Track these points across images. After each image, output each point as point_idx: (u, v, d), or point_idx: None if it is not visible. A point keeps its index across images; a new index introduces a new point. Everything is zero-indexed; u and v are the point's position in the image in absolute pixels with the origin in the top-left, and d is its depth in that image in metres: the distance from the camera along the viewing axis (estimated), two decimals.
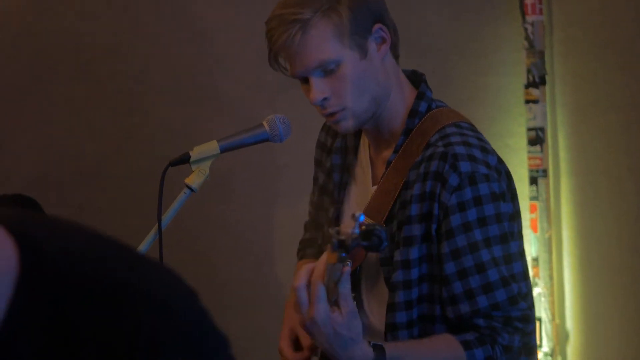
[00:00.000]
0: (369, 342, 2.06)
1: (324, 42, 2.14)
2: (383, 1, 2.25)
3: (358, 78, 2.18)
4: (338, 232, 1.83)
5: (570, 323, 3.53)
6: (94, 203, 3.68)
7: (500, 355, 2.13)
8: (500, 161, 2.21)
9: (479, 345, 2.12)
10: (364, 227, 1.80)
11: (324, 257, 1.98)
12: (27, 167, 3.69)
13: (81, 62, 3.70)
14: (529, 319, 2.17)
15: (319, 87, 2.17)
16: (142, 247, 2.16)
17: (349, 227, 1.82)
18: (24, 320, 1.04)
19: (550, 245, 3.56)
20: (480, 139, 2.22)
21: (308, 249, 2.60)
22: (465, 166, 2.13)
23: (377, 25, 2.20)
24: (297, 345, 2.40)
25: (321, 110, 2.21)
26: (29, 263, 1.05)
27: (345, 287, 1.99)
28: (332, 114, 2.21)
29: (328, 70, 2.16)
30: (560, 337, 3.53)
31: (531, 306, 2.19)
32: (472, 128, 2.26)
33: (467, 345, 2.12)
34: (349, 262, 1.95)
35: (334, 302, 2.00)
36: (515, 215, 2.21)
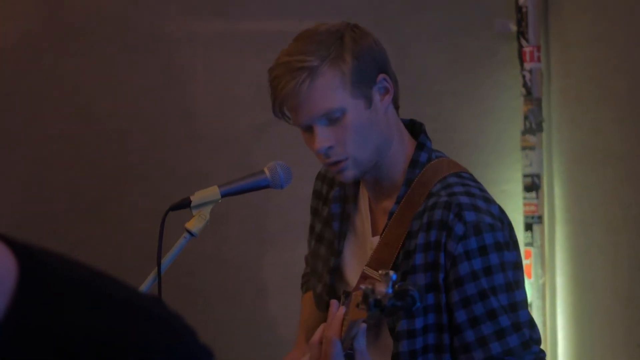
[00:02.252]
0: None
1: (331, 90, 2.15)
2: (385, 52, 2.26)
3: (362, 127, 2.18)
4: (373, 291, 1.80)
5: None
6: (89, 241, 3.68)
7: None
8: (502, 211, 2.22)
9: None
10: (396, 286, 1.79)
11: (340, 313, 1.99)
12: (21, 205, 3.69)
13: (79, 100, 3.71)
14: None
15: (324, 136, 2.18)
16: (142, 289, 2.16)
17: (382, 287, 1.80)
18: (22, 325, 1.05)
19: (544, 291, 3.57)
20: (482, 189, 2.23)
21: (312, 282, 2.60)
22: (470, 216, 2.13)
23: (382, 76, 2.21)
24: None
25: (324, 159, 2.21)
26: (28, 269, 1.06)
27: (361, 344, 1.99)
28: (335, 163, 2.21)
29: (333, 118, 2.17)
30: None
31: (542, 350, 2.19)
32: (473, 178, 2.27)
33: None
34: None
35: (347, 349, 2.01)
36: (519, 265, 2.22)
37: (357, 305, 1.90)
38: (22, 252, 1.06)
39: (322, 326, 2.05)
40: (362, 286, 1.83)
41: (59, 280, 1.08)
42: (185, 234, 2.21)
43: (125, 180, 3.72)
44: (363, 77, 2.18)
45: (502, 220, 2.19)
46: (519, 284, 2.20)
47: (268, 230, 3.75)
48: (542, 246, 3.59)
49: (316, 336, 2.06)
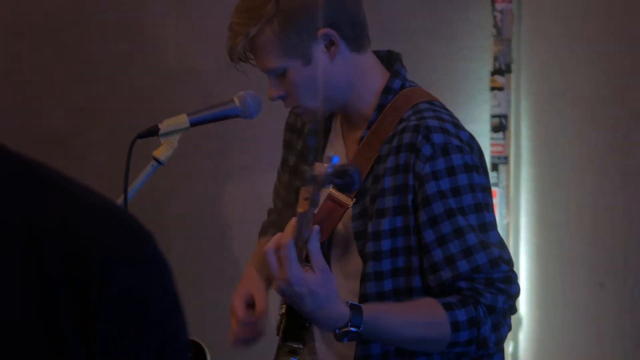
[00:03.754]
0: (347, 302, 2.08)
1: (266, 52, 2.23)
2: (333, 3, 2.26)
3: (303, 83, 2.25)
4: (311, 169, 1.86)
5: (524, 309, 3.57)
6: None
7: (484, 316, 2.12)
8: (472, 138, 2.25)
9: (461, 307, 2.12)
10: (336, 165, 1.84)
11: (293, 222, 2.01)
12: None
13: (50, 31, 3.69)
14: (511, 280, 2.16)
15: (274, 86, 2.28)
16: None
17: (322, 167, 1.86)
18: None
19: (508, 231, 3.60)
20: (452, 116, 2.27)
21: (271, 229, 2.61)
22: (438, 137, 2.16)
23: (323, 31, 2.24)
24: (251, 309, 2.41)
25: (283, 103, 2.31)
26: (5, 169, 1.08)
27: (315, 245, 2.01)
28: (293, 107, 2.32)
29: (278, 75, 2.26)
30: (514, 323, 3.58)
31: (513, 270, 2.20)
32: (444, 107, 2.31)
33: (448, 307, 2.12)
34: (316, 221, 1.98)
35: (305, 261, 2.02)
36: (488, 189, 2.25)
37: (305, 198, 1.95)
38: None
39: (277, 234, 2.07)
40: (305, 167, 1.90)
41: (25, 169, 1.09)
42: (153, 162, 2.20)
43: (93, 111, 3.70)
44: (299, 39, 2.23)
45: (472, 146, 2.22)
46: (488, 207, 2.22)
47: (236, 164, 3.76)
48: (507, 187, 3.62)
49: (271, 243, 2.07)
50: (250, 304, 2.39)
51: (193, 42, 3.72)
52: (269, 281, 2.38)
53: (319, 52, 2.25)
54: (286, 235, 2.03)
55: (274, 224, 2.60)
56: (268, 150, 3.39)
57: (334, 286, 2.05)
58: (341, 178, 1.86)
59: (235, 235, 3.76)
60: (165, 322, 1.12)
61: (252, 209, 3.54)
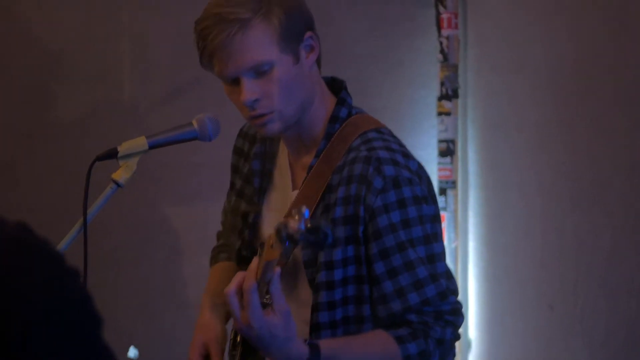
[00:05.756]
0: (305, 340, 2.08)
1: (261, 43, 2.16)
2: (310, 11, 2.27)
3: (289, 82, 2.20)
4: (285, 226, 1.84)
5: (472, 332, 3.60)
6: (6, 201, 3.62)
7: (434, 349, 2.15)
8: (420, 167, 2.26)
9: (412, 340, 2.14)
10: (309, 223, 1.82)
11: (253, 265, 2.00)
12: None
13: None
14: (458, 312, 2.20)
15: (251, 88, 2.18)
16: (66, 241, 2.14)
17: (295, 223, 1.84)
18: None
19: (456, 255, 3.63)
20: (401, 144, 2.28)
21: (221, 254, 2.60)
22: (389, 170, 2.17)
23: (309, 33, 2.23)
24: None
25: (250, 111, 2.21)
26: None
27: (277, 288, 2.00)
28: (260, 116, 2.22)
29: (261, 72, 2.18)
30: (462, 346, 3.60)
31: (458, 300, 2.23)
32: (392, 134, 2.32)
33: (400, 340, 2.14)
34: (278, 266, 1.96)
35: (266, 304, 2.01)
36: (436, 218, 2.26)
37: (272, 246, 1.92)
38: None
39: (237, 274, 2.05)
40: (277, 223, 1.87)
41: None
42: (112, 185, 2.18)
43: (40, 137, 3.67)
44: (292, 33, 2.19)
45: (420, 175, 2.24)
46: (437, 237, 2.24)
47: (184, 191, 3.74)
48: (455, 210, 3.65)
49: (232, 285, 2.05)
50: (206, 356, 2.38)
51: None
52: (227, 314, 2.37)
53: (303, 55, 2.23)
54: (249, 279, 2.02)
55: (223, 250, 2.60)
56: (214, 176, 3.38)
57: (294, 328, 2.05)
58: (315, 235, 1.84)
59: (184, 261, 3.74)
60: None
61: (199, 235, 3.53)
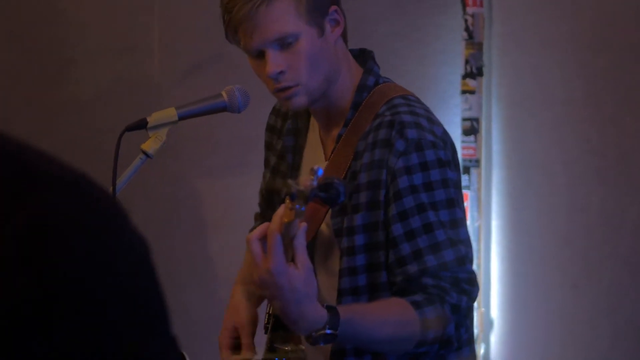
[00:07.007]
0: (323, 305, 2.06)
1: (286, 15, 2.16)
2: None
3: (314, 54, 2.20)
4: (297, 183, 1.84)
5: (495, 311, 3.59)
6: None
7: (450, 314, 2.12)
8: (445, 133, 2.26)
9: (428, 305, 2.11)
10: (321, 178, 1.82)
11: (280, 210, 1.98)
12: None
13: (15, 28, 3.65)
14: (474, 282, 2.17)
15: (276, 60, 2.18)
16: None
17: (307, 180, 1.83)
18: None
19: (479, 234, 3.62)
20: (427, 110, 2.28)
21: None
22: (412, 133, 2.16)
23: (334, 7, 2.24)
24: (236, 345, 2.39)
25: (275, 84, 2.21)
26: None
27: (301, 243, 1.99)
28: (285, 89, 2.21)
29: (286, 44, 2.18)
30: (485, 325, 3.59)
31: (474, 271, 2.21)
32: (419, 100, 2.32)
33: (417, 305, 2.10)
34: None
35: (290, 259, 2.00)
36: (459, 185, 2.25)
37: (289, 208, 1.92)
38: None
39: (262, 224, 2.04)
40: (289, 180, 1.87)
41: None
42: (141, 155, 2.18)
43: (63, 111, 3.67)
44: (317, 6, 2.20)
45: (445, 141, 2.23)
46: (459, 203, 2.23)
47: (207, 167, 3.74)
48: (478, 189, 3.63)
49: (256, 232, 2.03)
50: (237, 342, 2.37)
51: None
52: (259, 299, 2.37)
53: (328, 28, 2.24)
54: (274, 222, 1.99)
55: None
56: (239, 152, 3.38)
57: (315, 287, 2.03)
58: (326, 192, 1.85)
59: (210, 236, 3.74)
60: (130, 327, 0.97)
61: (224, 210, 3.53)
